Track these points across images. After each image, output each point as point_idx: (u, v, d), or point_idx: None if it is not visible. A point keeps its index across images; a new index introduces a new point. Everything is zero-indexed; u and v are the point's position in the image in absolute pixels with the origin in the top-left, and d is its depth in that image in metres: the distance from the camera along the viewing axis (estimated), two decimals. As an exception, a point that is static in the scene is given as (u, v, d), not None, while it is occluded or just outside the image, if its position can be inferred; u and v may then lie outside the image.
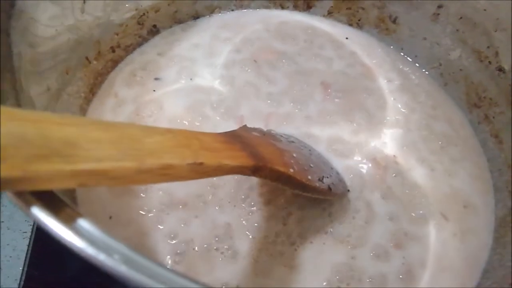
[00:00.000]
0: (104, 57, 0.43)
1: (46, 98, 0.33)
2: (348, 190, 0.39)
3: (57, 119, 0.17)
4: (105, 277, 0.45)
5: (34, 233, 0.49)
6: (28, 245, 0.48)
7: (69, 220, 0.17)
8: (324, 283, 0.35)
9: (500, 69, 0.42)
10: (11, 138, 0.15)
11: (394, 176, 0.41)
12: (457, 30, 0.45)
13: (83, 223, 0.17)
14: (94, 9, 0.39)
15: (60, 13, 0.35)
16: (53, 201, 0.18)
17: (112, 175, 0.17)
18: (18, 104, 0.26)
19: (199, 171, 0.21)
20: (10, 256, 0.49)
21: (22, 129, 0.15)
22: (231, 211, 0.38)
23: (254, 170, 0.28)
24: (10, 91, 0.27)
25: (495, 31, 0.41)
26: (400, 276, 0.36)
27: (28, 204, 0.17)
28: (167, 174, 0.20)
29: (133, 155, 0.18)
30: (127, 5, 0.43)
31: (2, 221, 0.52)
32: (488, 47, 0.42)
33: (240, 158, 0.26)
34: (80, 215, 0.17)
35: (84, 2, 0.37)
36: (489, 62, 0.43)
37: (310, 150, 0.40)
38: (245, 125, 0.36)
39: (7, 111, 0.15)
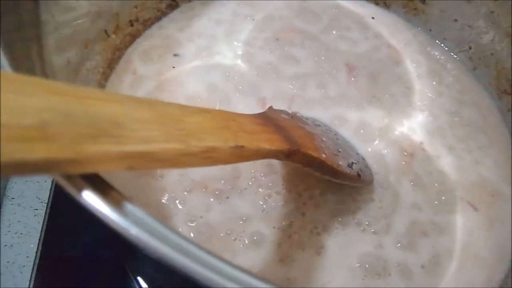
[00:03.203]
0: (122, 31, 0.41)
1: (66, 72, 0.32)
2: (373, 177, 0.38)
3: (100, 95, 0.15)
4: (118, 253, 0.45)
5: (48, 210, 0.48)
6: (43, 222, 0.47)
7: (118, 205, 0.16)
8: (349, 271, 0.34)
9: (536, 55, 0.40)
10: (57, 115, 0.13)
11: (421, 163, 0.40)
12: (492, 12, 0.43)
13: (133, 209, 0.16)
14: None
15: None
16: (100, 184, 0.16)
17: (160, 158, 0.16)
18: (45, 76, 0.25)
19: (239, 154, 0.20)
20: (21, 233, 0.48)
21: (67, 106, 0.14)
22: (252, 195, 0.36)
23: (288, 155, 0.26)
24: (37, 61, 0.25)
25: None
26: (426, 266, 0.35)
27: (79, 188, 0.15)
28: (210, 157, 0.18)
29: (177, 136, 0.17)
30: (147, -23, 0.41)
31: (13, 198, 0.51)
32: (524, 30, 0.40)
33: (276, 141, 0.25)
34: (129, 200, 0.16)
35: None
36: (524, 47, 0.41)
37: (336, 134, 0.39)
38: (271, 107, 0.34)
39: (49, 84, 0.14)
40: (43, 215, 0.48)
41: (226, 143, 0.19)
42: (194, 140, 0.18)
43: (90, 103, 0.15)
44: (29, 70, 0.23)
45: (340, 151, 0.34)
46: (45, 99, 0.13)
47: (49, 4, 0.28)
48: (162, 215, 0.35)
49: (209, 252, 0.16)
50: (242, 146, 0.20)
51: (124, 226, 0.16)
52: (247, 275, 0.17)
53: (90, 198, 0.16)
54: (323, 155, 0.29)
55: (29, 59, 0.24)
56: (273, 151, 0.24)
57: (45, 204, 0.49)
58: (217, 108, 0.24)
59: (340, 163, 0.32)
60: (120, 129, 0.15)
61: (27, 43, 0.25)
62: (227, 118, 0.22)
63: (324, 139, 0.33)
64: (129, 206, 0.16)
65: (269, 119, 0.28)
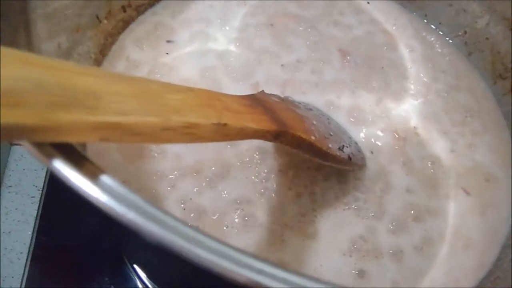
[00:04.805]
0: (114, 17, 0.41)
1: (57, 56, 0.32)
2: (366, 161, 0.38)
3: (77, 68, 0.15)
4: (114, 241, 0.45)
5: (43, 197, 0.48)
6: (38, 210, 0.47)
7: (91, 175, 0.16)
8: (341, 254, 0.34)
9: (531, 38, 0.39)
10: (29, 83, 0.13)
11: (414, 148, 0.40)
12: (487, -5, 0.42)
13: (106, 178, 0.16)
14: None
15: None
16: (73, 154, 0.16)
17: (135, 131, 0.16)
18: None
19: (222, 132, 0.20)
20: (19, 221, 0.49)
21: (41, 75, 0.14)
22: (245, 179, 0.36)
23: (276, 136, 0.26)
24: (25, 46, 0.25)
25: (529, -3, 0.39)
26: (419, 249, 0.35)
27: (48, 156, 0.15)
28: (190, 133, 0.18)
29: (157, 111, 0.17)
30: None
31: (10, 186, 0.51)
32: (519, 14, 0.40)
33: (263, 122, 0.25)
34: (102, 170, 0.16)
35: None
36: (519, 31, 0.40)
37: (328, 118, 0.39)
38: (263, 91, 0.34)
39: (22, 55, 0.14)
40: (37, 202, 0.48)
41: (209, 119, 0.19)
42: (175, 115, 0.18)
43: (65, 75, 0.15)
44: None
45: (331, 135, 0.34)
46: (18, 68, 0.13)
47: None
48: (155, 198, 0.35)
49: (185, 225, 0.17)
50: (225, 124, 0.20)
51: (95, 195, 0.16)
52: (242, 254, 0.17)
53: (59, 166, 0.16)
54: (313, 137, 0.29)
55: (16, 46, 0.24)
56: (260, 131, 0.24)
57: (39, 192, 0.49)
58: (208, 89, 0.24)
59: (330, 145, 0.32)
60: (95, 100, 0.15)
61: (15, 31, 0.25)
62: (212, 97, 0.22)
63: (314, 122, 0.33)
64: (103, 177, 0.16)
65: (258, 100, 0.28)
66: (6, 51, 0.13)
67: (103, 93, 0.15)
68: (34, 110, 0.13)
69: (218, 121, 0.19)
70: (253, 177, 0.36)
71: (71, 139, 0.15)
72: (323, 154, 0.31)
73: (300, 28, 0.46)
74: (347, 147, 0.35)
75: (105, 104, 0.15)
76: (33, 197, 0.50)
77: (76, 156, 0.16)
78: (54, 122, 0.14)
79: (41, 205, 0.48)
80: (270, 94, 0.34)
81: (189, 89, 0.21)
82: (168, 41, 0.43)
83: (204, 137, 0.20)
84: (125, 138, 0.16)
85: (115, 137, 0.16)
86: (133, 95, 0.17)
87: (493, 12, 0.42)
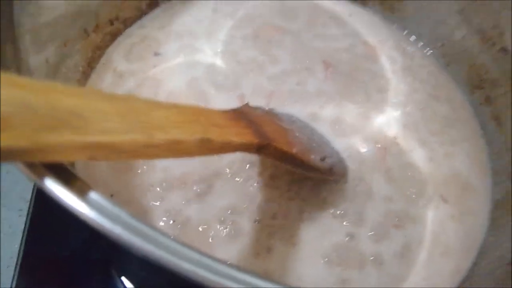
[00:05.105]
0: (102, 30, 0.42)
1: (45, 70, 0.33)
2: (348, 171, 0.39)
3: (62, 88, 0.16)
4: (103, 255, 0.45)
5: (31, 210, 0.48)
6: (25, 222, 0.48)
7: (79, 191, 0.17)
8: (325, 261, 0.35)
9: (504, 50, 0.41)
10: (17, 106, 0.14)
11: (395, 157, 0.41)
12: (463, 9, 0.44)
13: (93, 195, 0.17)
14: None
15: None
16: (63, 173, 0.17)
17: (121, 149, 0.17)
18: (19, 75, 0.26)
19: (207, 147, 0.21)
20: (5, 234, 0.49)
21: (28, 98, 0.15)
22: (232, 190, 0.37)
23: (259, 148, 0.27)
24: (12, 61, 0.26)
25: (503, 10, 0.41)
26: (399, 256, 0.36)
27: (40, 175, 0.16)
28: (175, 149, 0.19)
29: (141, 128, 0.18)
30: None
31: (-2, 199, 0.51)
32: (493, 27, 0.42)
33: (246, 135, 0.26)
34: (89, 186, 0.17)
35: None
36: (493, 43, 0.42)
37: (311, 129, 0.40)
38: (248, 103, 0.35)
39: (9, 78, 0.15)
40: (27, 215, 0.48)
41: (193, 136, 0.20)
42: (159, 132, 0.18)
43: (52, 96, 0.16)
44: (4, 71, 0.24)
45: (314, 146, 0.35)
46: (6, 91, 0.14)
47: (24, 4, 0.28)
48: (143, 210, 0.36)
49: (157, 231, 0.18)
50: (209, 139, 0.21)
51: (83, 211, 0.17)
52: (226, 266, 0.18)
53: (51, 185, 0.17)
54: (294, 149, 0.30)
55: (4, 61, 0.24)
56: (243, 144, 0.25)
57: (27, 204, 0.49)
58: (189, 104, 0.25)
59: (313, 157, 0.33)
60: (80, 120, 0.16)
61: (2, 46, 0.26)
62: (197, 113, 0.23)
63: (297, 134, 0.34)
64: (91, 193, 0.17)
65: (242, 114, 0.29)
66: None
67: (89, 113, 0.16)
68: (23, 133, 0.14)
69: (202, 137, 0.20)
70: (239, 188, 0.37)
71: (59, 158, 0.16)
72: (305, 165, 0.32)
73: (285, 40, 0.47)
74: (329, 157, 0.36)
75: (90, 124, 0.16)
76: (21, 210, 0.50)
77: (64, 172, 0.17)
78: (43, 144, 0.14)
79: (29, 217, 0.48)
80: (255, 106, 0.35)
81: (173, 106, 0.22)
82: (156, 54, 0.44)
83: (189, 153, 0.21)
84: (111, 156, 0.17)
85: (102, 155, 0.17)
86: (118, 114, 0.18)
87: (469, 25, 0.44)
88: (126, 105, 0.18)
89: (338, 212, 0.37)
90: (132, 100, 0.20)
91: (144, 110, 0.19)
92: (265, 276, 0.34)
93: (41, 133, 0.15)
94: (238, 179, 0.38)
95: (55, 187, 0.17)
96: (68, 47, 0.37)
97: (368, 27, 0.50)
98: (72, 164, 0.33)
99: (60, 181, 0.17)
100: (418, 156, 0.42)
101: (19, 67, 0.27)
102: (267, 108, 0.38)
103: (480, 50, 0.44)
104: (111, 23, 0.42)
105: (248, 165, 0.38)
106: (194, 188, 0.37)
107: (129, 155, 0.18)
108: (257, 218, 0.36)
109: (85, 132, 0.16)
